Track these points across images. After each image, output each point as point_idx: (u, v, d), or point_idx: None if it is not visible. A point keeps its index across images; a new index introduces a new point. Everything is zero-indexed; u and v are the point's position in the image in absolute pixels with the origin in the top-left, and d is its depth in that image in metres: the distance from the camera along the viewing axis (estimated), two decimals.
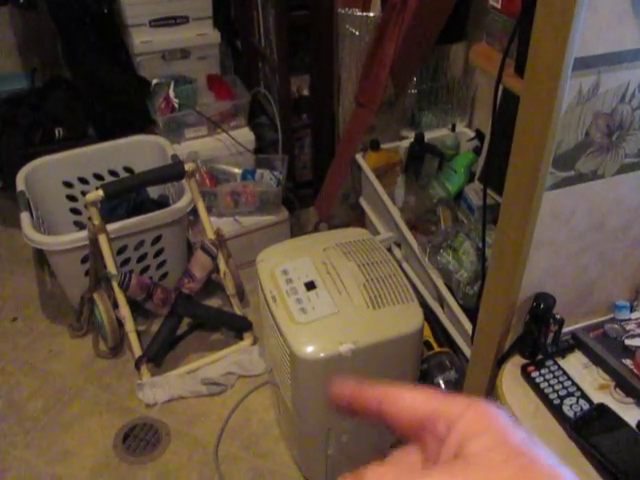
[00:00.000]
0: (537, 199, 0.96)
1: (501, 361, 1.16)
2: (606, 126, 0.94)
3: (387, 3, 1.83)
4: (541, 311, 1.08)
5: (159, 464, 1.70)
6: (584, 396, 1.06)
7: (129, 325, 1.87)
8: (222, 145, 2.41)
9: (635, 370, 1.07)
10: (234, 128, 2.43)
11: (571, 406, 1.05)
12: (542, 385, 1.08)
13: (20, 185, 2.03)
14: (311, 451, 1.54)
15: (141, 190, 2.26)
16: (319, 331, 1.33)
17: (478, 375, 1.25)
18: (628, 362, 1.09)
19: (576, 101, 0.89)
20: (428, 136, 2.03)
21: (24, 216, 1.90)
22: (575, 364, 1.13)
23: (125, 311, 1.86)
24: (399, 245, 1.95)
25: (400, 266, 1.66)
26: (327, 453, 1.50)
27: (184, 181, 1.96)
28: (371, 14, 1.92)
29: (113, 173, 2.27)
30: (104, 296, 1.92)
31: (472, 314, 1.44)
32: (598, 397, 1.06)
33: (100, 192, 1.71)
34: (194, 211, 2.02)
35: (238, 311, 2.05)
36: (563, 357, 1.14)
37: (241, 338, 2.03)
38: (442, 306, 1.74)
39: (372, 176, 2.00)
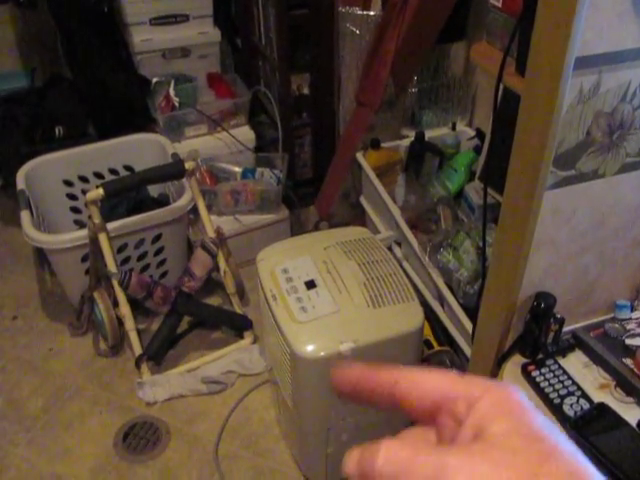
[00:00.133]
0: (538, 198, 0.96)
1: (501, 360, 1.16)
2: (607, 125, 0.94)
3: (388, 2, 1.83)
4: (542, 310, 1.08)
5: (159, 462, 1.70)
6: (584, 395, 1.06)
7: (129, 324, 1.87)
8: (222, 144, 2.41)
9: (635, 369, 1.07)
10: (234, 126, 2.43)
11: (571, 405, 1.05)
12: (542, 384, 1.08)
13: (20, 184, 2.03)
14: (311, 450, 1.54)
15: (141, 189, 2.25)
16: (319, 330, 1.33)
17: (478, 374, 1.25)
18: (628, 361, 1.09)
19: (577, 100, 0.89)
20: (428, 135, 2.03)
21: (24, 215, 1.90)
22: (575, 363, 1.13)
23: (125, 310, 1.86)
24: (399, 244, 1.95)
25: (400, 265, 1.65)
26: (327, 452, 1.50)
27: (184, 180, 1.97)
28: (372, 13, 1.92)
29: (113, 172, 2.27)
30: (104, 295, 1.92)
31: (472, 313, 1.44)
32: (598, 396, 1.06)
33: (100, 191, 1.71)
34: (194, 210, 2.02)
35: (238, 310, 2.05)
36: (564, 356, 1.14)
37: (241, 337, 2.03)
38: (442, 305, 1.74)
39: (372, 175, 2.00)
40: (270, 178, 2.31)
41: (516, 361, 1.15)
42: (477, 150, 1.90)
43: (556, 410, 1.04)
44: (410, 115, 2.16)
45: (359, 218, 2.25)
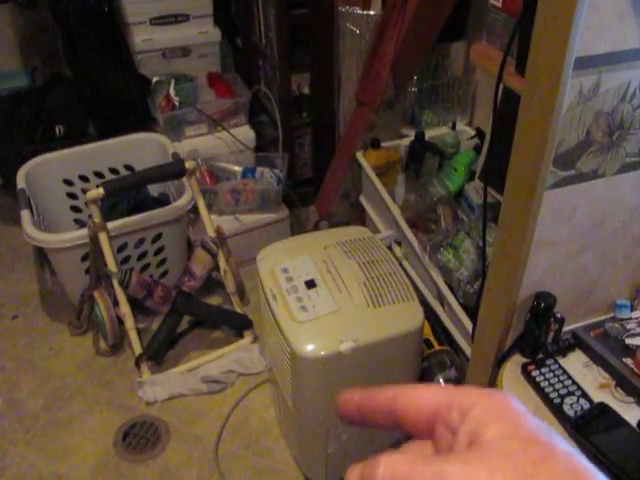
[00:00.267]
0: (538, 198, 0.96)
1: (502, 360, 1.16)
2: (607, 125, 0.94)
3: (388, 1, 1.83)
4: (542, 310, 1.08)
5: (159, 462, 1.70)
6: (584, 395, 1.06)
7: (129, 323, 1.87)
8: (222, 143, 2.41)
9: (635, 369, 1.07)
10: (234, 126, 2.43)
11: (571, 405, 1.05)
12: (542, 384, 1.09)
13: (20, 183, 2.03)
14: (311, 449, 1.54)
15: (141, 188, 2.25)
16: (319, 329, 1.33)
17: (478, 374, 1.25)
18: (628, 361, 1.09)
19: (577, 100, 0.89)
20: (428, 134, 2.03)
21: (24, 214, 1.90)
22: (575, 363, 1.14)
23: (125, 309, 1.86)
24: (399, 243, 1.95)
25: (400, 264, 1.65)
26: (327, 452, 1.50)
27: (184, 179, 1.97)
28: (371, 12, 1.92)
29: (113, 171, 2.27)
30: (104, 294, 1.92)
31: (472, 312, 1.44)
32: (598, 396, 1.07)
33: (101, 190, 1.71)
34: (194, 209, 2.02)
35: (238, 309, 2.05)
36: (564, 356, 1.14)
37: (241, 336, 2.03)
38: (442, 304, 1.74)
39: (372, 174, 2.00)
40: (270, 177, 2.31)
41: (516, 361, 1.15)
42: (477, 149, 1.90)
43: (556, 410, 1.04)
44: (410, 114, 2.16)
45: (359, 217, 2.25)
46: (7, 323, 2.13)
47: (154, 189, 2.36)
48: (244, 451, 1.73)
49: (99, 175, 2.25)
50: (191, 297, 1.97)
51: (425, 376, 1.65)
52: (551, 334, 1.12)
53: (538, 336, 1.11)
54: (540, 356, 1.14)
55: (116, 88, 2.38)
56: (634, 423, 1.00)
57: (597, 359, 1.13)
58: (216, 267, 2.00)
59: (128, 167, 2.28)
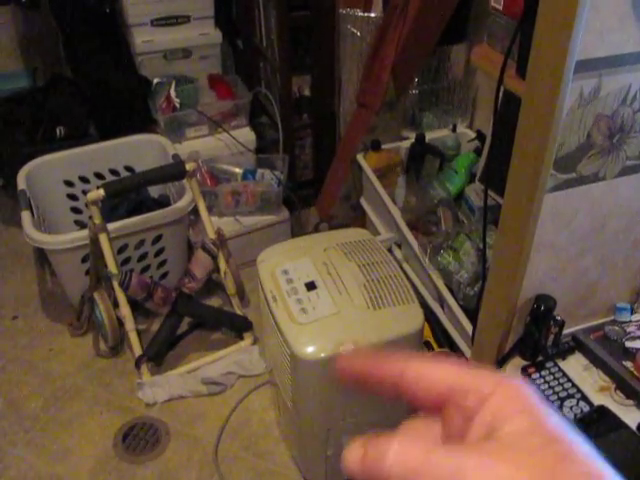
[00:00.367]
0: (538, 201, 0.96)
1: (501, 362, 1.16)
2: (607, 128, 0.94)
3: (388, 4, 1.83)
4: (542, 313, 1.08)
5: (159, 463, 1.70)
6: (584, 398, 1.06)
7: (129, 324, 1.87)
8: (223, 145, 2.41)
9: (635, 372, 1.07)
10: (235, 128, 2.43)
11: (571, 408, 1.05)
12: (542, 387, 1.09)
13: (21, 184, 2.03)
14: (311, 451, 1.54)
15: (142, 189, 2.26)
16: (319, 331, 1.33)
17: None
18: (628, 364, 1.09)
19: (577, 103, 0.89)
20: (429, 136, 2.03)
21: (25, 215, 1.90)
22: (575, 366, 1.14)
23: (125, 310, 1.86)
24: (399, 245, 1.95)
25: (400, 267, 1.66)
26: (327, 454, 1.50)
27: (185, 181, 1.97)
28: (372, 15, 1.92)
29: (114, 172, 2.27)
30: (104, 295, 1.92)
31: (472, 315, 1.44)
32: (598, 399, 1.07)
33: (101, 191, 1.71)
34: (195, 211, 2.02)
35: (238, 311, 2.05)
36: (563, 359, 1.14)
37: (241, 338, 2.03)
38: (442, 307, 1.74)
39: (373, 176, 2.00)
40: (271, 179, 2.31)
41: (516, 363, 1.15)
42: (477, 152, 1.90)
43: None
44: (411, 117, 2.16)
45: (359, 220, 2.25)
46: (7, 324, 2.13)
47: (154, 190, 2.36)
48: (244, 453, 1.73)
49: (99, 176, 2.25)
50: (191, 299, 1.97)
51: None
52: (551, 337, 1.12)
53: (538, 339, 1.11)
54: (540, 359, 1.14)
55: (117, 89, 2.39)
56: (634, 426, 1.00)
57: (597, 362, 1.13)
58: (216, 269, 2.00)
59: (129, 168, 2.28)
